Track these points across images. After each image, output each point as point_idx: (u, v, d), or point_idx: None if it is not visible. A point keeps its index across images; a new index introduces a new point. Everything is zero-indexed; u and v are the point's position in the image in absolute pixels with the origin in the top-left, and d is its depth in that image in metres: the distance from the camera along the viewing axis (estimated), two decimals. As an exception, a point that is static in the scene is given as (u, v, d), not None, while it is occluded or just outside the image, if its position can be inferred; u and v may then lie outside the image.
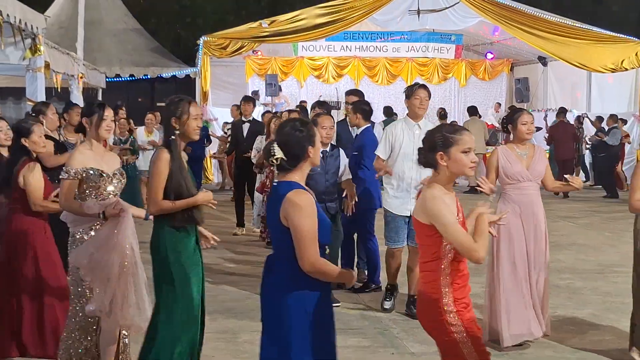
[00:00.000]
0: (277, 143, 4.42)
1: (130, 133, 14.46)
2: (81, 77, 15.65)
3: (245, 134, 13.57)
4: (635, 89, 22.27)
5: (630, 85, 22.49)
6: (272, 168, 11.03)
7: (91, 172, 5.82)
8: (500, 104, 26.20)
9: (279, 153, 4.37)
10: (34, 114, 9.10)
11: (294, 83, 26.19)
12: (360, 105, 9.56)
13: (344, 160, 8.76)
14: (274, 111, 17.24)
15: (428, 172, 7.49)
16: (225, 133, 18.33)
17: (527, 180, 7.31)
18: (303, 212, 4.26)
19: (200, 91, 22.23)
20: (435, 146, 4.52)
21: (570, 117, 22.22)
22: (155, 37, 26.83)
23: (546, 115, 22.89)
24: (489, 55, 27.63)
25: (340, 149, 8.85)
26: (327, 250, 4.46)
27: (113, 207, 5.68)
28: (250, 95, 23.47)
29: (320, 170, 8.29)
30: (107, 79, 21.32)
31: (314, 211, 4.31)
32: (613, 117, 20.70)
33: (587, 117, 22.13)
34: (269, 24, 21.92)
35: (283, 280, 4.37)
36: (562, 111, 21.62)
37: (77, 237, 5.88)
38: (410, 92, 8.18)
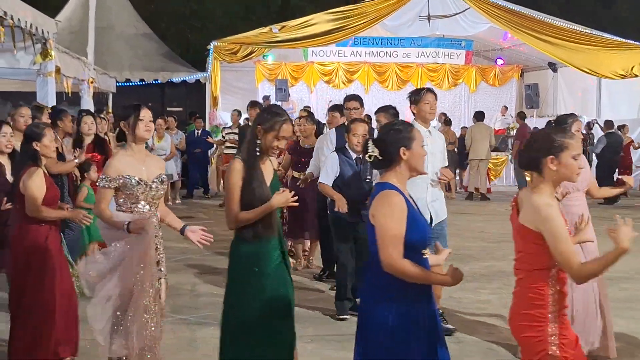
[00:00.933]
0: (373, 141, 4.39)
1: None
2: (91, 82, 15.71)
3: None
4: (646, 95, 22.26)
5: (640, 92, 22.46)
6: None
7: (128, 179, 5.52)
8: (507, 108, 26.15)
9: (373, 151, 4.34)
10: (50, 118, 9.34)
11: (304, 88, 26.23)
12: (389, 110, 9.32)
13: None
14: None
15: (436, 177, 7.60)
16: (224, 137, 18.30)
17: (575, 190, 7.04)
18: (387, 211, 4.23)
19: (210, 96, 22.30)
20: (546, 150, 4.25)
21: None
22: (166, 41, 26.91)
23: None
24: (499, 61, 27.63)
25: None
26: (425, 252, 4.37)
27: (137, 223, 5.43)
28: (259, 100, 23.63)
29: (354, 177, 8.17)
30: (117, 84, 21.40)
31: (400, 213, 4.25)
32: (608, 124, 20.68)
33: (597, 123, 22.09)
34: (279, 30, 21.96)
35: (377, 280, 4.33)
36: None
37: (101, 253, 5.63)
38: (419, 97, 7.82)
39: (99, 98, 19.04)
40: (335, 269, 9.87)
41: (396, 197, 4.29)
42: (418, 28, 23.76)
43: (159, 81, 24.25)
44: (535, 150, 4.31)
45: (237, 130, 17.57)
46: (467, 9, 22.47)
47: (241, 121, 18.39)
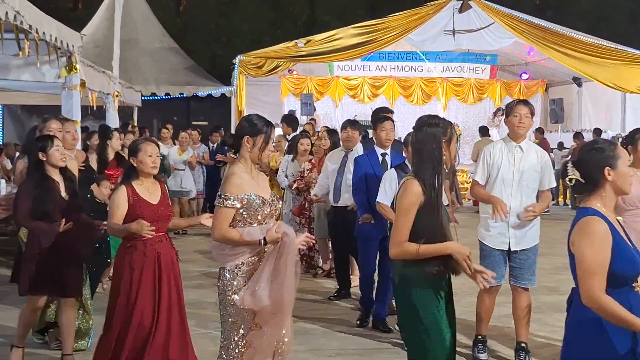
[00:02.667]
0: (573, 163, 4.10)
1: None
2: (117, 96, 15.81)
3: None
4: (671, 110, 22.12)
5: (665, 106, 22.32)
6: (310, 193, 10.88)
7: (253, 198, 5.20)
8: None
9: (574, 173, 4.05)
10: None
11: (329, 102, 26.31)
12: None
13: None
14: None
15: (532, 200, 7.23)
16: None
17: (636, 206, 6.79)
18: (589, 240, 3.88)
19: (235, 110, 22.38)
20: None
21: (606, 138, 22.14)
22: (192, 56, 27.06)
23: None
24: (524, 76, 27.59)
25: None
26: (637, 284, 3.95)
27: (275, 230, 5.13)
28: (288, 114, 23.69)
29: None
30: (142, 98, 21.53)
31: (603, 242, 3.88)
32: (596, 132, 20.63)
33: (622, 137, 21.96)
34: (304, 44, 22.04)
35: (580, 314, 4.03)
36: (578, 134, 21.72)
37: (229, 274, 5.23)
38: (509, 109, 7.37)
39: (125, 112, 19.16)
40: (352, 285, 10.18)
41: (598, 224, 3.93)
42: (443, 43, 23.73)
43: (185, 95, 24.37)
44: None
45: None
46: (492, 24, 22.47)
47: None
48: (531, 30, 21.78)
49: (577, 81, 25.76)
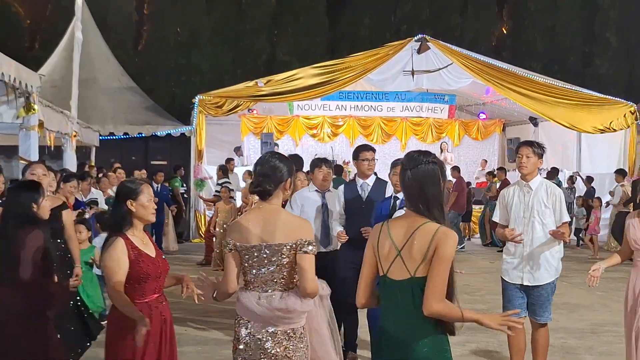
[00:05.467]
0: None
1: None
2: (74, 136, 15.69)
3: None
4: (625, 149, 22.43)
5: (620, 146, 22.64)
6: None
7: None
8: (486, 161, 26.39)
9: None
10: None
11: (289, 142, 26.31)
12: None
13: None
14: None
15: (546, 235, 7.42)
16: (218, 192, 18.07)
17: None
18: None
19: (195, 149, 22.26)
20: None
21: (562, 177, 22.39)
22: (150, 95, 26.98)
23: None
24: (482, 116, 27.91)
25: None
26: None
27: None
28: (236, 149, 23.73)
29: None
30: (100, 137, 21.37)
31: None
32: (553, 171, 20.95)
33: (580, 176, 22.27)
34: (264, 83, 22.06)
35: None
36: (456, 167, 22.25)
37: (300, 333, 4.94)
38: (515, 150, 7.69)
39: (82, 152, 19.01)
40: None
41: None
42: (402, 82, 23.92)
43: (143, 135, 24.26)
44: None
45: (219, 188, 17.72)
46: (450, 64, 22.72)
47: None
48: (488, 70, 22.03)
49: (534, 121, 26.09)
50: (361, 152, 8.88)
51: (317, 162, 9.11)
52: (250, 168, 15.51)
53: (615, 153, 22.68)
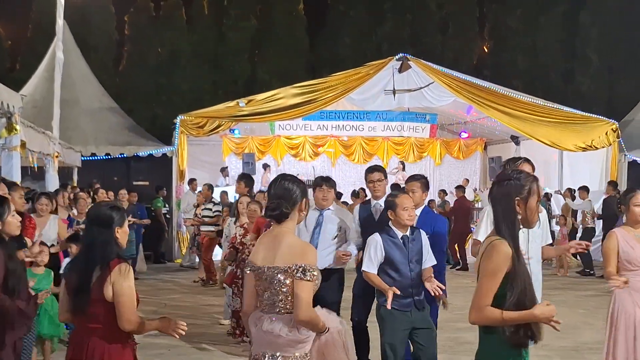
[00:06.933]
0: None
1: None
2: (56, 156, 15.59)
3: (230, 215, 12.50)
4: (606, 167, 22.57)
5: (601, 164, 22.78)
6: (243, 257, 10.22)
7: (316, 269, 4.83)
8: (468, 180, 26.41)
9: None
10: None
11: (271, 162, 26.24)
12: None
13: (426, 243, 7.50)
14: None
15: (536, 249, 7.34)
16: (197, 215, 17.94)
17: None
18: None
19: (177, 170, 22.17)
20: None
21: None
22: (132, 115, 26.91)
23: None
24: (463, 135, 27.95)
25: (421, 230, 7.57)
26: None
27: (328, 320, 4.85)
28: (222, 169, 23.64)
29: (403, 259, 7.24)
30: (82, 158, 21.27)
31: None
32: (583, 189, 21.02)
33: (560, 193, 22.27)
34: (246, 103, 22.03)
35: None
36: (460, 187, 22.47)
37: None
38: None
39: (64, 173, 18.90)
40: None
41: None
42: (384, 102, 23.94)
43: (125, 155, 24.15)
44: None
45: (211, 207, 17.51)
46: (432, 83, 22.77)
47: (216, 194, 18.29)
48: (469, 89, 22.09)
49: (515, 139, 26.18)
50: (367, 174, 8.92)
51: (319, 182, 9.05)
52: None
53: (597, 171, 22.78)
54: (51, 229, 10.28)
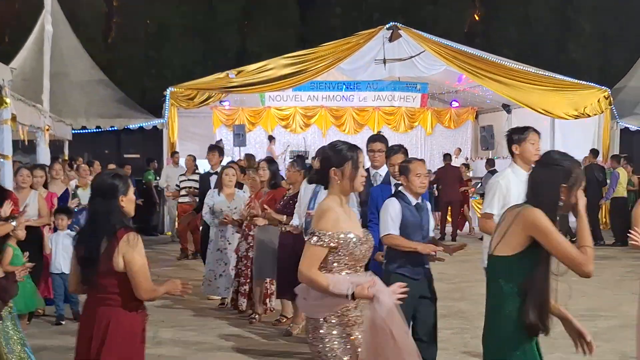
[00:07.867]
0: None
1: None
2: (47, 130, 15.50)
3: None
4: (598, 135, 22.59)
5: (594, 132, 22.79)
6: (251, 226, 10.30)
7: (350, 237, 4.62)
8: (460, 150, 26.44)
9: None
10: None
11: (261, 133, 26.25)
12: None
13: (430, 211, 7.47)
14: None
15: None
16: (178, 186, 17.46)
17: None
18: None
19: (167, 142, 22.14)
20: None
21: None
22: (122, 88, 26.77)
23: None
24: (454, 104, 27.93)
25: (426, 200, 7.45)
26: None
27: (367, 288, 4.46)
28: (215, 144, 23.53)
29: (416, 226, 7.11)
30: (73, 131, 21.18)
31: None
32: (490, 162, 21.09)
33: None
34: (236, 75, 21.96)
35: None
36: (447, 155, 22.44)
37: (324, 330, 4.65)
38: (523, 135, 7.01)
39: (55, 146, 18.83)
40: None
41: None
42: (375, 71, 23.91)
43: (116, 128, 24.07)
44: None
45: (194, 177, 16.53)
46: (423, 52, 22.70)
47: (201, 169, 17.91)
48: (460, 57, 22.03)
49: (507, 108, 26.16)
50: (369, 142, 8.86)
51: (317, 152, 8.84)
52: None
53: (589, 138, 22.79)
54: (31, 204, 10.27)
